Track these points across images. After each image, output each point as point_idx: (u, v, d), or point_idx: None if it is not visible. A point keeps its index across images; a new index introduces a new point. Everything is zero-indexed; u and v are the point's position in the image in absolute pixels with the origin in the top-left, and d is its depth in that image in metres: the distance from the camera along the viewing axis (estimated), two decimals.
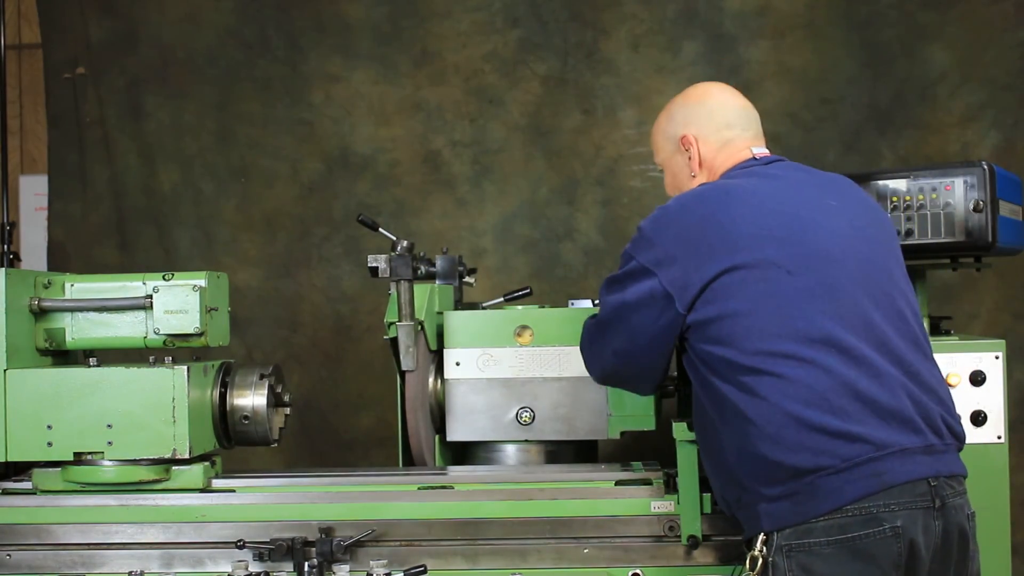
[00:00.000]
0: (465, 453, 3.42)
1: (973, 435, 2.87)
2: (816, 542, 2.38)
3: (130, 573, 2.89)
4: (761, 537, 2.45)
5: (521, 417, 3.25)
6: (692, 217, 2.56)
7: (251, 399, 3.18)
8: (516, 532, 2.91)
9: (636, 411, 3.18)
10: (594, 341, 2.78)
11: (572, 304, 3.42)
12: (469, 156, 4.64)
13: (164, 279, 3.08)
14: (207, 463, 3.06)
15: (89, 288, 3.13)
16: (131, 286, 3.10)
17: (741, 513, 2.55)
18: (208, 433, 3.12)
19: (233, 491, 3.04)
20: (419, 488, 3.00)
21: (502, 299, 3.63)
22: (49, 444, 2.98)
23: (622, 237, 4.50)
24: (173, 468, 3.01)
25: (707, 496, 2.86)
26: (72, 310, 3.11)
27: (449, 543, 2.92)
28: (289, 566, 2.86)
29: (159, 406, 2.96)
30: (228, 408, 3.17)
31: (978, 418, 2.97)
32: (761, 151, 2.76)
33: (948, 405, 2.53)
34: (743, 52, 4.52)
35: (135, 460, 2.98)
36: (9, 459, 3.01)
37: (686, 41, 4.54)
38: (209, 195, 4.72)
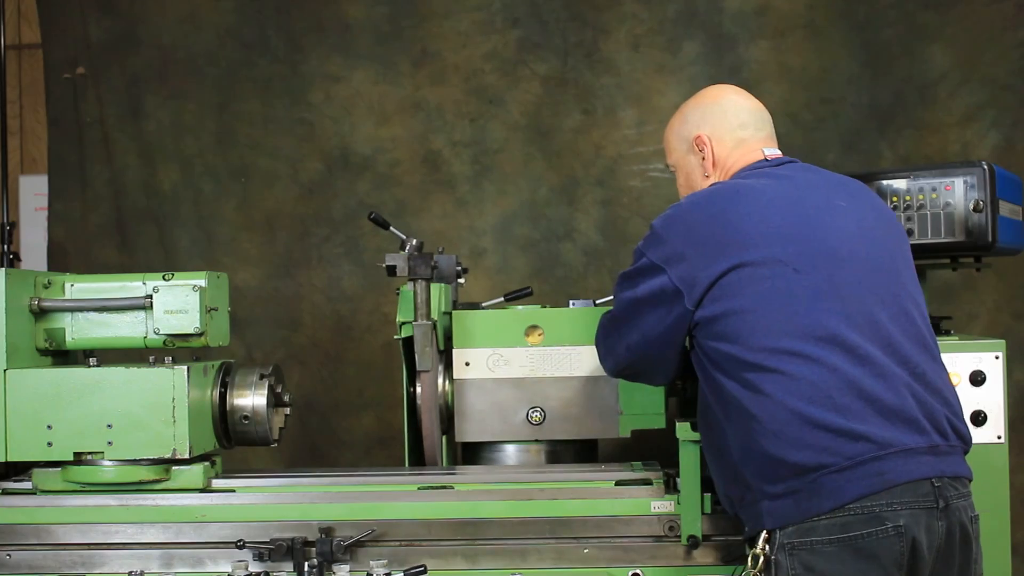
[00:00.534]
0: (465, 453, 3.42)
1: (973, 435, 2.85)
2: (819, 540, 2.39)
3: (130, 573, 2.89)
4: (764, 535, 2.46)
5: (532, 417, 3.25)
6: (702, 215, 2.58)
7: (251, 399, 3.18)
8: (516, 532, 2.91)
9: (647, 410, 3.20)
10: (608, 336, 2.81)
11: (572, 304, 3.42)
12: (469, 156, 4.63)
13: (164, 279, 3.08)
14: (207, 463, 3.07)
15: (89, 288, 3.13)
16: (131, 286, 3.10)
17: (744, 511, 2.56)
18: (208, 433, 3.12)
19: (233, 491, 3.05)
20: (419, 488, 3.00)
21: (502, 299, 3.63)
22: (49, 444, 2.98)
23: (622, 237, 4.51)
24: (173, 468, 3.02)
25: (707, 496, 2.86)
26: (72, 310, 3.11)
27: (449, 543, 2.92)
28: (289, 566, 2.86)
29: (159, 406, 2.96)
30: (228, 408, 3.17)
31: (978, 418, 2.97)
32: (773, 152, 2.78)
33: (954, 407, 2.53)
34: (743, 52, 4.51)
35: (135, 460, 2.98)
36: (9, 459, 3.01)
37: (686, 41, 4.54)
38: (209, 195, 4.71)
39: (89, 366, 3.04)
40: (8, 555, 2.96)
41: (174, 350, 3.08)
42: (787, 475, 2.41)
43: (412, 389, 3.26)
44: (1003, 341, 3.05)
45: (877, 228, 2.63)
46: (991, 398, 3.00)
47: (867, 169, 3.53)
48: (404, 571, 2.82)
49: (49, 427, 2.98)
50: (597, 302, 3.44)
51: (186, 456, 2.98)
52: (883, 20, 4.47)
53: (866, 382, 2.41)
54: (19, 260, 4.76)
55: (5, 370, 2.99)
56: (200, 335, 3.06)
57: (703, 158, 2.80)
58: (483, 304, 3.53)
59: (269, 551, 2.86)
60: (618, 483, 3.00)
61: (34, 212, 5.23)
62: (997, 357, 3.02)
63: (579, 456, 3.37)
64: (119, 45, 4.77)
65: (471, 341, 3.28)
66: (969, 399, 2.96)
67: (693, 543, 2.86)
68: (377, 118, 4.66)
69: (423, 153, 4.64)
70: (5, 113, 4.77)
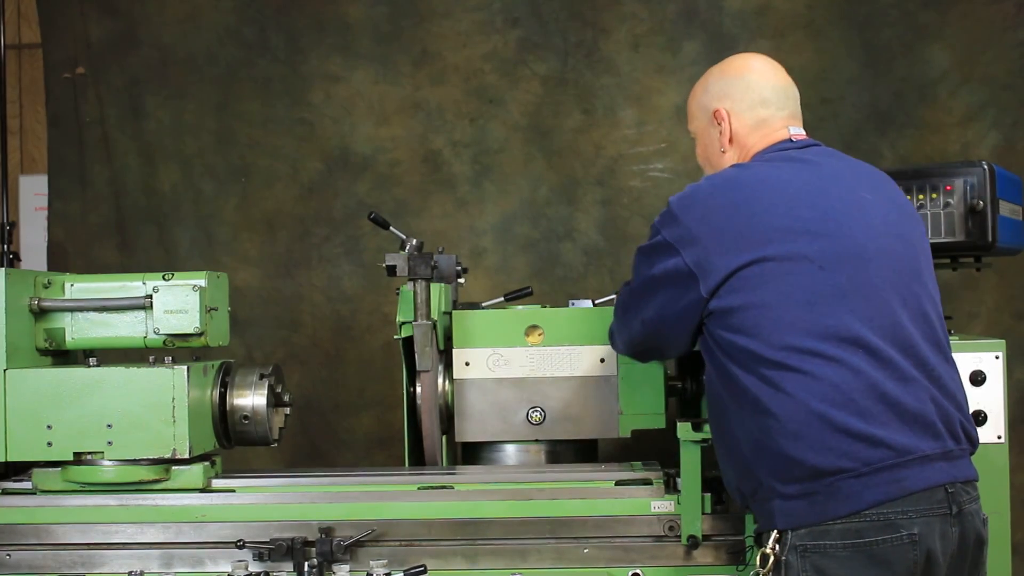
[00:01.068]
0: (465, 453, 3.42)
1: None
2: (832, 544, 2.36)
3: (130, 573, 2.89)
4: (774, 535, 2.42)
5: (532, 417, 3.25)
6: (723, 200, 2.53)
7: (251, 399, 3.18)
8: (516, 532, 2.91)
9: (647, 410, 3.19)
10: (628, 309, 2.76)
11: (572, 304, 3.42)
12: (469, 156, 4.63)
13: (164, 279, 3.08)
14: (207, 463, 3.06)
15: (89, 288, 3.13)
16: (131, 286, 3.10)
17: (755, 506, 2.53)
18: (208, 433, 3.12)
19: (233, 491, 3.04)
20: (419, 488, 3.00)
21: (502, 299, 3.63)
22: (49, 444, 2.98)
23: (622, 237, 4.51)
24: (173, 468, 3.01)
25: (708, 496, 2.86)
26: (72, 310, 3.11)
27: (449, 543, 2.92)
28: (289, 566, 2.86)
29: (159, 406, 2.96)
30: (228, 408, 3.17)
31: (978, 418, 2.97)
32: (798, 132, 2.72)
33: (966, 410, 2.52)
34: (743, 52, 4.51)
35: (135, 460, 2.98)
36: (9, 459, 3.01)
37: (686, 41, 4.54)
38: (209, 195, 4.71)
39: (89, 366, 3.04)
40: (8, 555, 2.96)
41: (174, 350, 3.08)
42: (803, 476, 2.38)
43: (412, 389, 3.26)
44: (1003, 341, 3.04)
45: (901, 223, 2.60)
46: (991, 398, 3.00)
47: None
48: (404, 571, 2.82)
49: (49, 427, 2.98)
50: (597, 302, 3.44)
51: (186, 456, 2.97)
52: (883, 20, 4.47)
53: (888, 386, 2.39)
54: (19, 260, 4.76)
55: (5, 370, 2.99)
56: (200, 335, 3.06)
57: (720, 132, 2.75)
58: (483, 304, 3.53)
59: (269, 551, 2.86)
60: (618, 483, 3.00)
61: (34, 212, 5.23)
62: (997, 357, 3.02)
63: (579, 456, 3.37)
64: (119, 45, 4.77)
65: (471, 341, 3.27)
66: (969, 399, 2.94)
67: (693, 543, 2.86)
68: (377, 118, 4.66)
69: (423, 153, 4.64)
70: (5, 113, 4.77)
